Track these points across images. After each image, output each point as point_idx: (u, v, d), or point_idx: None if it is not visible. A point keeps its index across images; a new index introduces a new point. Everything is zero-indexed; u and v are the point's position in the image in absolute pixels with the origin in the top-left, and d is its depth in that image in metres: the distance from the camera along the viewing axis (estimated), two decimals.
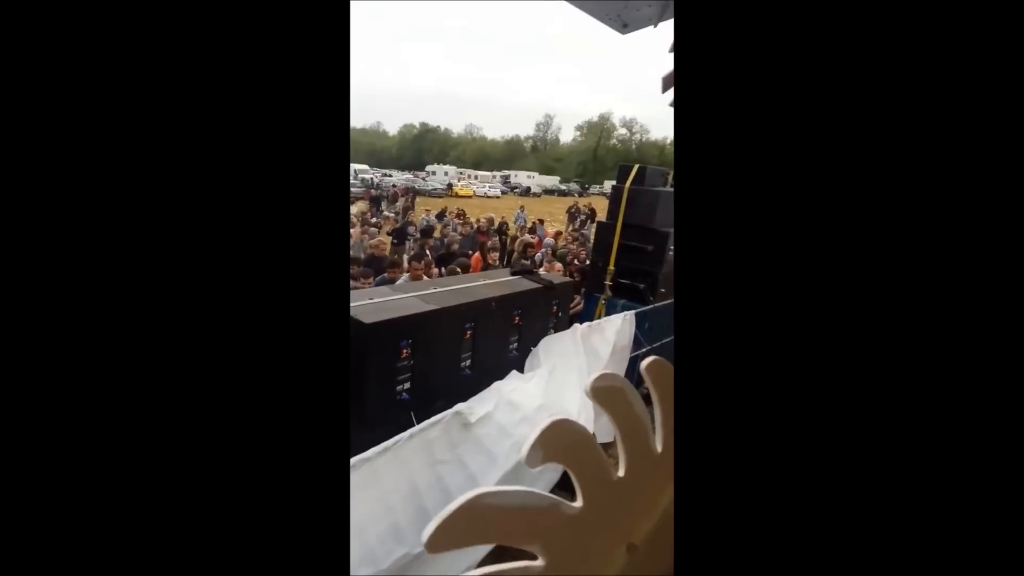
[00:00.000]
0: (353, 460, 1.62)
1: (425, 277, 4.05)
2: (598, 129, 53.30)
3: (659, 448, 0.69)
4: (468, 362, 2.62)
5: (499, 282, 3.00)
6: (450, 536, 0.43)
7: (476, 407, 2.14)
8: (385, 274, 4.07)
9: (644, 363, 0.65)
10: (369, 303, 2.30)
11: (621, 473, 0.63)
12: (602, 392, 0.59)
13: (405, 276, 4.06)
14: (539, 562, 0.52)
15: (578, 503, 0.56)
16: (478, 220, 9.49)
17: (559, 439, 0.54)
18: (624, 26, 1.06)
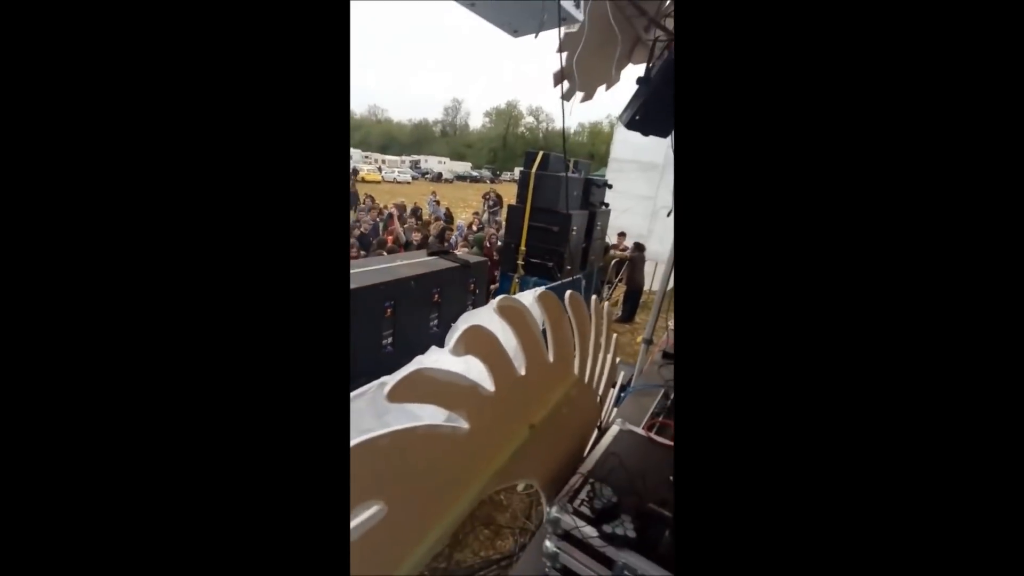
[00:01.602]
0: None
1: None
2: (506, 116, 53.96)
3: (551, 358, 0.94)
4: (390, 339, 2.72)
5: (417, 262, 3.11)
6: (405, 392, 0.61)
7: None
8: None
9: (537, 291, 0.89)
10: None
11: (522, 372, 0.86)
12: (506, 310, 0.81)
13: None
14: (465, 426, 0.72)
15: (492, 388, 0.77)
16: (386, 206, 9.27)
17: (477, 338, 0.74)
18: (515, 31, 1.27)
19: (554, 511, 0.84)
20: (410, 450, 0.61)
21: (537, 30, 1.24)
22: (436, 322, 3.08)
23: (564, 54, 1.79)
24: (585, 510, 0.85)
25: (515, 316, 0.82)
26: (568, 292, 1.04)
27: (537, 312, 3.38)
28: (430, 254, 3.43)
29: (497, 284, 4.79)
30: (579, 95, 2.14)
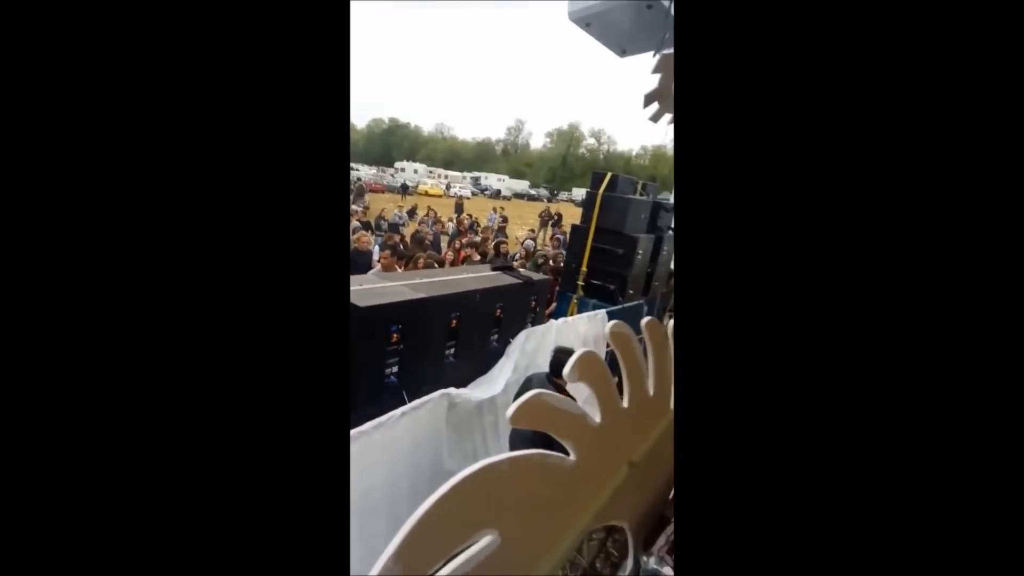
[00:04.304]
0: (352, 432, 1.71)
1: (396, 268, 4.11)
2: (568, 137, 54.46)
3: (651, 391, 0.88)
4: (452, 350, 2.75)
5: (482, 276, 3.14)
6: (525, 417, 0.59)
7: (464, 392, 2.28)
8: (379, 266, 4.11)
9: (643, 321, 0.83)
10: (361, 288, 2.38)
11: (625, 404, 0.80)
12: (617, 337, 0.76)
13: (377, 267, 4.10)
14: (572, 458, 0.68)
15: (598, 419, 0.73)
16: (451, 219, 9.61)
17: (590, 365, 0.70)
18: (623, 52, 1.25)
19: (652, 562, 0.76)
20: (526, 479, 0.57)
21: (657, 47, 1.22)
22: (496, 336, 3.07)
23: (659, 75, 1.76)
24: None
25: (624, 344, 0.78)
26: (648, 319, 0.97)
27: (596, 329, 3.30)
28: (494, 269, 3.46)
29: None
30: (667, 117, 2.08)
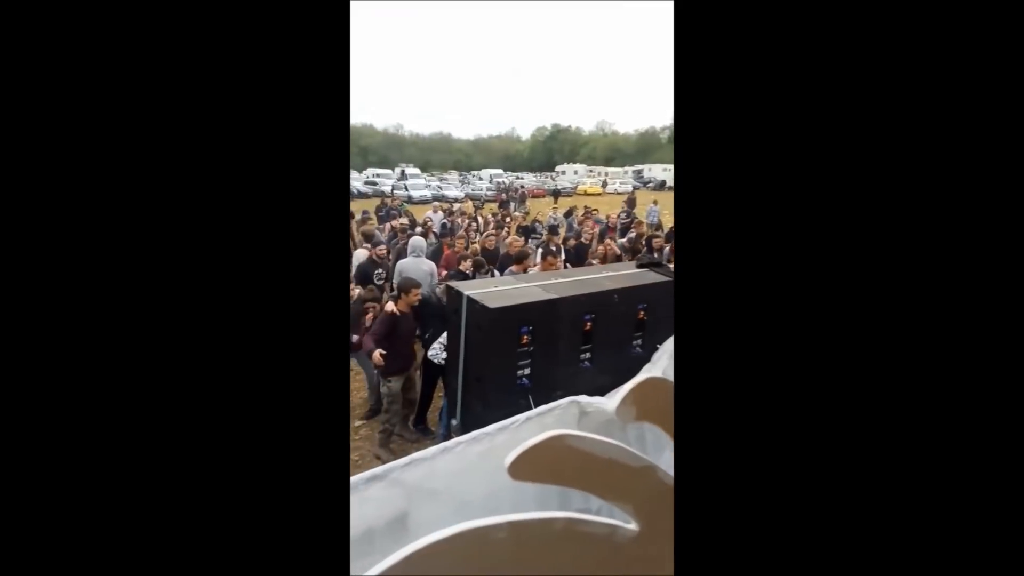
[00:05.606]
0: (475, 433, 1.75)
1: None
2: None
3: None
4: (588, 355, 2.59)
5: (623, 274, 2.88)
6: (532, 468, 0.44)
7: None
8: (513, 267, 4.28)
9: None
10: (493, 290, 2.44)
11: None
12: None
13: (535, 268, 4.19)
14: (632, 526, 0.49)
15: None
16: (608, 216, 9.37)
17: (655, 397, 0.50)
18: None
19: None
20: (540, 552, 0.42)
21: None
22: (640, 342, 2.78)
23: None
24: None
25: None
26: None
27: None
28: (639, 266, 3.15)
29: None
30: None
